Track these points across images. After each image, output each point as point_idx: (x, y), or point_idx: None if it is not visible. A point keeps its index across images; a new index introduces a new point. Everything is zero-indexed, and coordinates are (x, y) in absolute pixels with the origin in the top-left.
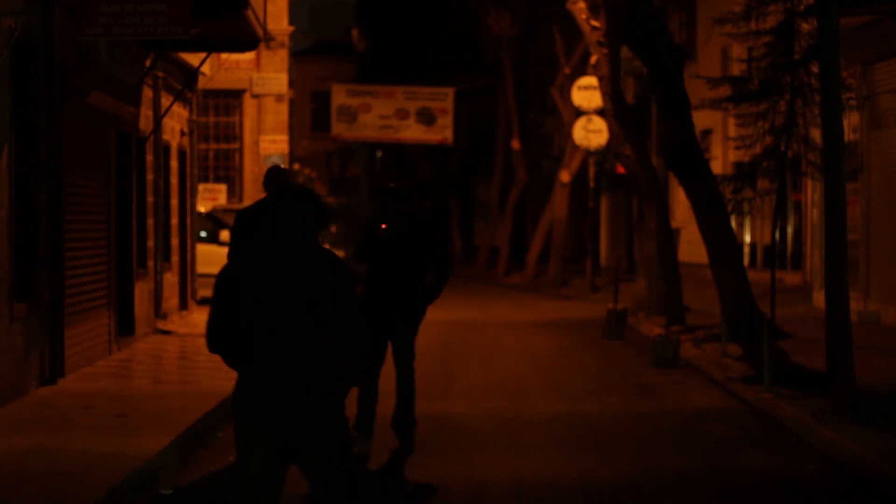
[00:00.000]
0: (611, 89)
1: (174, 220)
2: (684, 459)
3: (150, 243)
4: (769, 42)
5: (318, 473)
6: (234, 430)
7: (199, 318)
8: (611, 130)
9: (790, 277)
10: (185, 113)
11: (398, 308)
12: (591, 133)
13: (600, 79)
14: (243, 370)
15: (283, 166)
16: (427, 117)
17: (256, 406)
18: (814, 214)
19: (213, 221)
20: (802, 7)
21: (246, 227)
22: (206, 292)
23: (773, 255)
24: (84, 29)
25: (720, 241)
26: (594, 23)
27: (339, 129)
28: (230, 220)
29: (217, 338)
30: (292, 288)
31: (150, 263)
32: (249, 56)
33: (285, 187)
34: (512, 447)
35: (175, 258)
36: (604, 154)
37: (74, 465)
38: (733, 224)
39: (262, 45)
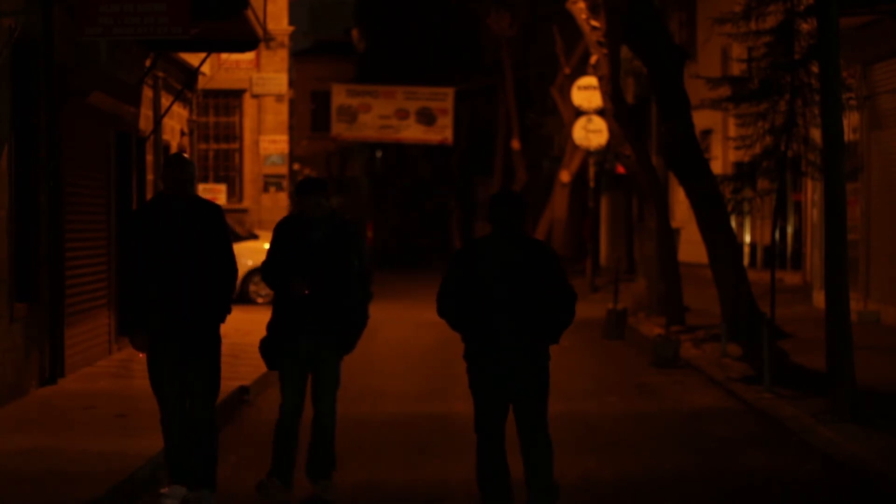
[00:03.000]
0: (611, 89)
1: None
2: (684, 459)
3: None
4: (769, 42)
5: (529, 417)
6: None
7: None
8: (611, 130)
9: (790, 277)
10: (184, 113)
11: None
12: (591, 133)
13: (600, 79)
14: (470, 333)
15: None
16: (427, 117)
17: (488, 360)
18: (814, 214)
19: None
20: (802, 7)
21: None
22: None
23: (773, 255)
24: (84, 29)
25: (720, 240)
26: (594, 23)
27: (339, 129)
28: (230, 220)
29: (448, 307)
30: (517, 268)
31: None
32: (249, 56)
33: (505, 196)
34: (512, 447)
35: None
36: (604, 154)
37: (74, 465)
38: (733, 224)
39: (262, 45)
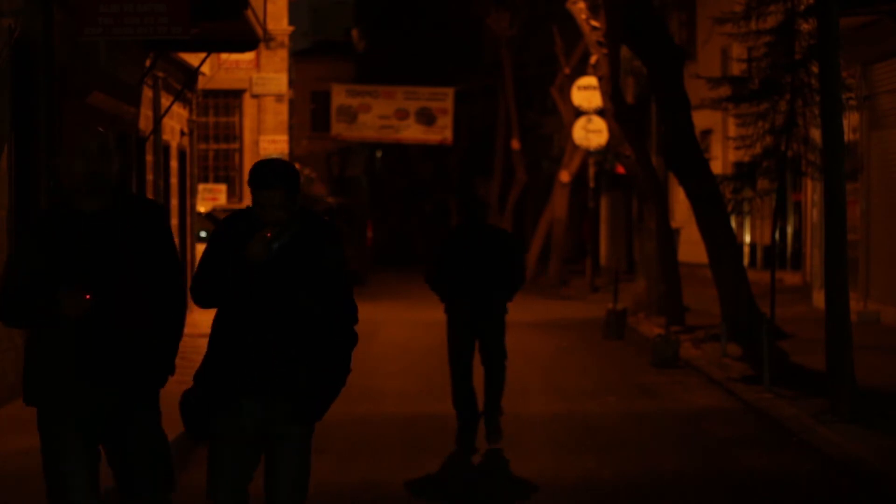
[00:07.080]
0: (611, 89)
1: (174, 221)
2: (684, 459)
3: None
4: (769, 42)
5: (490, 345)
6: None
7: (199, 318)
8: (611, 130)
9: (790, 277)
10: (184, 113)
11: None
12: (591, 133)
13: (600, 79)
14: (448, 293)
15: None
16: (427, 117)
17: (463, 313)
18: (814, 214)
19: (213, 221)
20: (802, 7)
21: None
22: None
23: (773, 255)
24: (84, 29)
25: (720, 240)
26: (594, 23)
27: (339, 129)
28: None
29: (438, 280)
30: (483, 250)
31: None
32: (249, 56)
33: (474, 196)
34: (512, 447)
35: None
36: (604, 154)
37: None
38: (733, 224)
39: (261, 45)
